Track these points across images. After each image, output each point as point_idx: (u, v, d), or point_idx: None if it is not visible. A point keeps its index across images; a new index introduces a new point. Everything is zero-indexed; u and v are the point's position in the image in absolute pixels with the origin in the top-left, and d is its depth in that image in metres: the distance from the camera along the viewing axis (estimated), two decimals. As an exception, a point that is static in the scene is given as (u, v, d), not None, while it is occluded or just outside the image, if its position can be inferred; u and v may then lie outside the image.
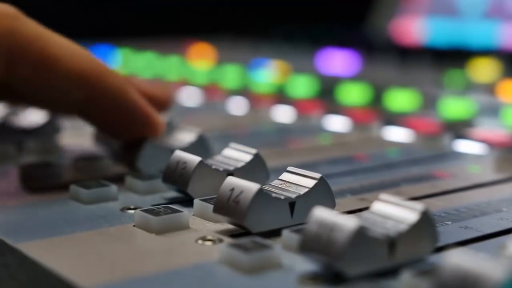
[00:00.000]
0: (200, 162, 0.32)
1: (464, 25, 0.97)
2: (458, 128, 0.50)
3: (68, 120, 0.46)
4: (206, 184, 0.32)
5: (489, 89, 0.68)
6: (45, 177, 0.37)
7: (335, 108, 0.57)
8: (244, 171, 0.33)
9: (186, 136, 0.38)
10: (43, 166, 0.37)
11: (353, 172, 0.39)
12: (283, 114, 0.56)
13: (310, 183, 0.29)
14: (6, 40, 0.34)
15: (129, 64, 0.84)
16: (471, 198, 0.34)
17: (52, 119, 0.45)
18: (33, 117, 0.45)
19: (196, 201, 0.31)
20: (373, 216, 0.25)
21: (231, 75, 0.73)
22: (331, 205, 0.30)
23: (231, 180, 0.28)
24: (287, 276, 0.24)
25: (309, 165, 0.40)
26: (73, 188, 0.33)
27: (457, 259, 0.20)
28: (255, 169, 0.34)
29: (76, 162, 0.38)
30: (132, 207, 0.32)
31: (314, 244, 0.23)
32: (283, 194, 0.29)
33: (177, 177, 0.32)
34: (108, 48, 0.93)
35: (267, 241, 0.25)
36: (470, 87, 0.70)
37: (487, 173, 0.39)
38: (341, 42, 0.94)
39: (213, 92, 0.66)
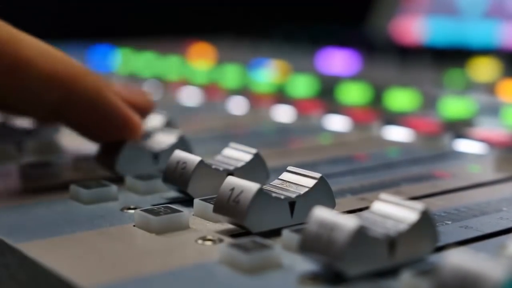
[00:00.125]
0: (200, 162, 0.32)
1: (464, 24, 0.97)
2: (458, 128, 0.50)
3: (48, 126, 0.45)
4: (206, 184, 0.32)
5: (489, 88, 0.68)
6: (45, 177, 0.37)
7: (335, 107, 0.57)
8: (244, 171, 0.33)
9: (167, 138, 0.38)
10: (43, 166, 0.37)
11: (353, 172, 0.39)
12: (283, 114, 0.56)
13: (310, 182, 0.29)
14: None
15: (129, 64, 0.84)
16: (471, 198, 0.34)
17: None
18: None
19: (196, 201, 0.31)
20: (373, 216, 0.25)
21: (231, 75, 0.73)
22: (331, 205, 0.30)
23: (231, 180, 0.28)
24: (287, 276, 0.24)
25: (309, 164, 0.40)
26: (73, 188, 0.33)
27: (457, 259, 0.20)
28: (255, 169, 0.34)
29: (76, 162, 0.38)
30: (132, 207, 0.32)
31: (314, 244, 0.23)
32: (283, 194, 0.29)
33: (177, 177, 0.32)
34: (108, 48, 0.93)
35: (267, 241, 0.25)
36: (470, 87, 0.70)
37: (487, 173, 0.39)
38: (341, 42, 0.94)
39: (213, 92, 0.66)
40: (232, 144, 0.35)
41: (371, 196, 0.34)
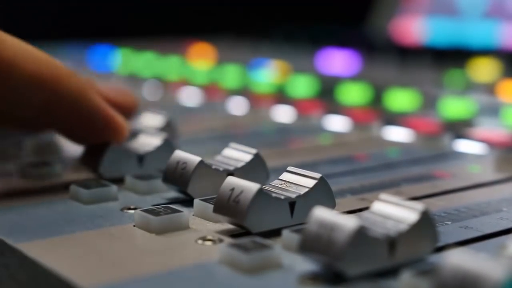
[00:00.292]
0: (200, 162, 0.32)
1: (464, 25, 0.97)
2: (458, 128, 0.50)
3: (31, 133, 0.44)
4: (206, 184, 0.32)
5: (489, 89, 0.68)
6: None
7: (335, 108, 0.57)
8: (244, 171, 0.33)
9: (152, 140, 0.38)
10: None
11: (353, 172, 0.39)
12: (283, 114, 0.56)
13: (310, 183, 0.29)
14: None
15: (129, 64, 0.84)
16: (471, 198, 0.34)
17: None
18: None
19: (196, 201, 0.31)
20: (373, 216, 0.25)
21: (231, 75, 0.73)
22: (331, 205, 0.30)
23: (231, 180, 0.28)
24: (287, 276, 0.24)
25: (309, 165, 0.40)
26: (73, 188, 0.33)
27: (457, 259, 0.20)
28: (255, 169, 0.34)
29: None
30: (132, 207, 0.32)
31: (314, 244, 0.23)
32: (283, 194, 0.29)
33: (177, 177, 0.32)
34: (108, 48, 0.93)
35: (267, 241, 0.25)
36: (470, 87, 0.70)
37: (487, 173, 0.39)
38: (341, 42, 0.94)
39: (213, 92, 0.66)
40: (232, 144, 0.35)
41: (371, 196, 0.34)
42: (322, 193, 0.29)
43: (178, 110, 0.59)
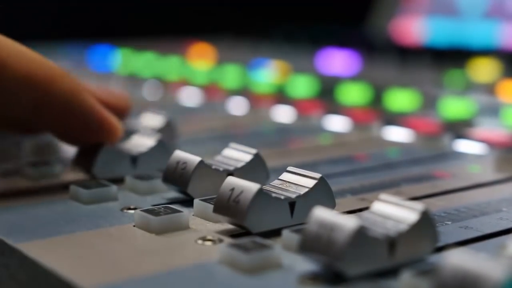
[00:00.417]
0: (200, 162, 0.32)
1: (464, 25, 0.97)
2: (458, 128, 0.50)
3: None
4: (206, 184, 0.32)
5: (489, 89, 0.68)
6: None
7: (335, 108, 0.57)
8: (244, 171, 0.33)
9: (145, 141, 0.37)
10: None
11: (353, 172, 0.39)
12: (283, 114, 0.56)
13: (310, 183, 0.29)
14: None
15: (129, 64, 0.84)
16: (471, 198, 0.34)
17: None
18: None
19: (196, 201, 0.31)
20: (373, 216, 0.25)
21: (231, 75, 0.73)
22: (331, 205, 0.30)
23: (231, 180, 0.28)
24: (287, 276, 0.24)
25: (309, 165, 0.40)
26: (73, 188, 0.33)
27: (457, 259, 0.20)
28: (255, 169, 0.34)
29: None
30: (132, 207, 0.32)
31: (314, 244, 0.23)
32: (283, 194, 0.29)
33: (177, 177, 0.32)
34: (108, 48, 0.93)
35: (267, 241, 0.25)
36: (470, 87, 0.70)
37: (487, 173, 0.39)
38: (341, 42, 0.94)
39: (213, 92, 0.66)
40: (232, 144, 0.35)
41: (371, 196, 0.34)
42: (322, 193, 0.29)
43: (178, 110, 0.59)
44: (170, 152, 0.37)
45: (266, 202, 0.28)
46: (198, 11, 1.19)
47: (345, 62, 0.86)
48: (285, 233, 0.27)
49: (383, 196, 0.26)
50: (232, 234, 0.28)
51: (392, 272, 0.24)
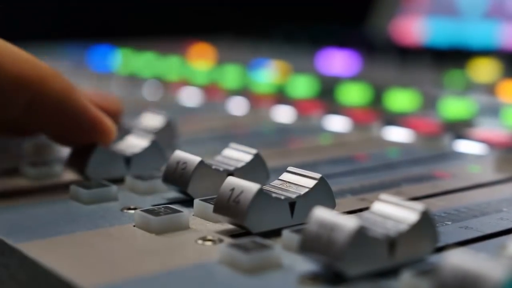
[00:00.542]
0: (200, 162, 0.32)
1: (464, 25, 0.97)
2: (458, 128, 0.50)
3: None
4: (206, 184, 0.32)
5: (489, 89, 0.68)
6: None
7: (335, 108, 0.57)
8: (244, 171, 0.33)
9: (139, 142, 0.37)
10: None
11: (353, 172, 0.39)
12: (283, 114, 0.56)
13: (310, 183, 0.29)
14: None
15: (129, 65, 0.84)
16: (471, 198, 0.34)
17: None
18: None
19: (196, 201, 0.31)
20: (373, 216, 0.25)
21: (231, 75, 0.73)
22: (331, 205, 0.30)
23: (231, 180, 0.28)
24: (287, 276, 0.24)
25: (309, 165, 0.40)
26: (73, 188, 0.33)
27: (457, 259, 0.20)
28: (255, 169, 0.34)
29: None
30: (132, 207, 0.32)
31: (314, 244, 0.23)
32: (283, 194, 0.29)
33: (177, 177, 0.32)
34: (108, 48, 0.93)
35: (267, 241, 0.25)
36: (470, 87, 0.70)
37: (487, 173, 0.39)
38: (341, 42, 0.94)
39: (213, 92, 0.66)
40: (232, 145, 0.35)
41: (371, 196, 0.34)
42: (322, 193, 0.29)
43: (178, 110, 0.59)
44: (164, 152, 0.37)
45: (266, 202, 0.28)
46: (198, 11, 1.19)
47: (345, 62, 0.86)
48: (285, 233, 0.27)
49: (383, 196, 0.26)
50: (232, 234, 0.28)
51: (392, 272, 0.24)
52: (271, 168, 0.34)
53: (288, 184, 0.30)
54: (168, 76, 0.76)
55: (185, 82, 0.72)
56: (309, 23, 1.08)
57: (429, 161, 0.42)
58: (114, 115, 0.40)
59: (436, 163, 0.42)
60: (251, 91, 0.66)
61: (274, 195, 0.28)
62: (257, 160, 0.34)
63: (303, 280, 0.24)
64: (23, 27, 1.00)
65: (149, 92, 0.68)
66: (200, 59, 0.87)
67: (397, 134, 0.49)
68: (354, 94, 0.63)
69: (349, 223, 0.23)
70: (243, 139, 0.47)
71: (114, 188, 0.33)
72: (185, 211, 0.29)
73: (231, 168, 0.33)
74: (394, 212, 0.25)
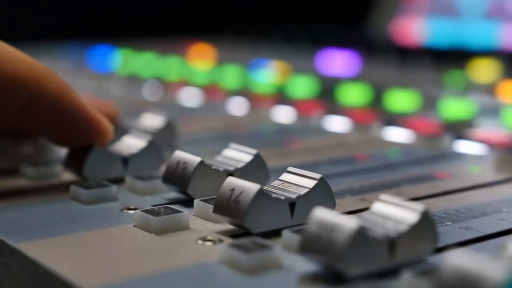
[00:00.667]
0: (201, 162, 0.32)
1: (464, 25, 0.97)
2: (458, 129, 0.50)
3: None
4: (206, 184, 0.32)
5: (489, 89, 0.68)
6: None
7: (335, 108, 0.57)
8: (244, 172, 0.33)
9: (136, 142, 0.37)
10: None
11: (353, 173, 0.39)
12: (283, 115, 0.56)
13: (310, 183, 0.29)
14: None
15: (129, 65, 0.84)
16: (471, 199, 0.34)
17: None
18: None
19: (196, 202, 0.31)
20: (373, 217, 0.25)
21: (231, 75, 0.73)
22: (331, 205, 0.30)
23: (231, 181, 0.28)
24: (287, 277, 0.24)
25: (309, 165, 0.40)
26: (73, 188, 0.33)
27: (457, 260, 0.20)
28: (255, 169, 0.34)
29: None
30: (132, 207, 0.32)
31: (314, 244, 0.23)
32: (283, 195, 0.29)
33: (177, 177, 0.32)
34: (108, 49, 0.93)
35: (267, 242, 0.25)
36: (470, 88, 0.70)
37: (487, 174, 0.39)
38: (341, 42, 0.94)
39: (213, 93, 0.66)
40: (232, 145, 0.35)
41: (371, 196, 0.34)
42: (322, 194, 0.29)
43: (178, 111, 0.59)
44: (161, 153, 0.37)
45: (266, 202, 0.28)
46: (198, 11, 1.19)
47: (345, 63, 0.86)
48: (285, 233, 0.27)
49: (383, 196, 0.26)
50: (232, 235, 0.28)
51: (392, 273, 0.24)
52: (271, 168, 0.34)
53: (288, 185, 0.30)
54: (168, 76, 0.76)
55: (185, 82, 0.72)
56: (309, 23, 1.08)
57: (429, 162, 0.42)
58: (111, 120, 0.40)
59: (436, 164, 0.42)
60: (251, 92, 0.66)
61: (274, 195, 0.28)
62: (257, 160, 0.34)
63: (303, 281, 0.24)
64: (23, 27, 1.00)
65: (149, 92, 0.68)
66: (200, 59, 0.87)
67: (397, 135, 0.49)
68: (354, 94, 0.63)
69: (349, 223, 0.23)
70: (243, 140, 0.47)
71: (114, 188, 0.33)
72: (185, 211, 0.29)
73: (231, 169, 0.33)
74: (394, 212, 0.25)
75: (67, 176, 0.37)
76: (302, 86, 0.67)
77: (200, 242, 0.27)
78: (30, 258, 0.26)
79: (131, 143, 0.37)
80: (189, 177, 0.32)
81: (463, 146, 0.45)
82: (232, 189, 0.28)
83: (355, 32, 1.04)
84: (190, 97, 0.65)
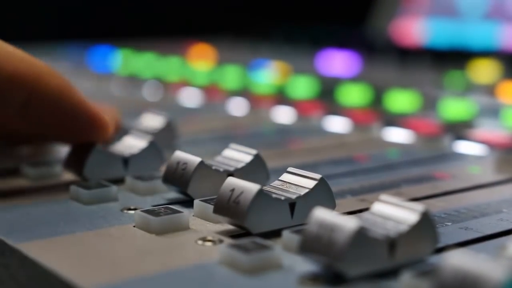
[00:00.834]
0: (201, 162, 0.32)
1: (464, 26, 0.97)
2: (458, 129, 0.50)
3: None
4: (206, 184, 0.32)
5: (489, 90, 0.68)
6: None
7: (335, 109, 0.57)
8: (244, 172, 0.33)
9: (137, 143, 0.37)
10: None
11: (354, 173, 0.39)
12: (283, 115, 0.56)
13: (310, 183, 0.29)
14: None
15: (129, 65, 0.84)
16: (471, 199, 0.34)
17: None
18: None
19: (196, 202, 0.31)
20: (373, 217, 0.25)
21: (231, 75, 0.73)
22: (331, 205, 0.30)
23: (232, 181, 0.28)
24: (287, 277, 0.24)
25: (309, 165, 0.40)
26: (73, 188, 0.33)
27: (457, 260, 0.20)
28: (255, 169, 0.34)
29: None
30: (132, 207, 0.32)
31: (314, 244, 0.23)
32: (283, 195, 0.29)
33: (177, 177, 0.32)
34: (108, 49, 0.93)
35: (267, 242, 0.25)
36: (470, 88, 0.70)
37: (487, 174, 0.39)
38: (341, 43, 0.94)
39: (213, 93, 0.66)
40: (232, 145, 0.35)
41: (371, 197, 0.34)
42: (322, 194, 0.29)
43: (178, 111, 0.59)
44: (162, 153, 0.37)
45: (266, 202, 0.28)
46: (198, 11, 1.19)
47: (345, 63, 0.86)
48: (285, 233, 0.27)
49: (383, 197, 0.26)
50: (232, 235, 0.28)
51: (392, 273, 0.24)
52: (271, 168, 0.34)
53: (288, 185, 0.30)
54: (168, 77, 0.76)
55: (185, 83, 0.72)
56: (309, 24, 1.08)
57: (429, 162, 0.42)
58: (114, 126, 0.39)
59: (436, 164, 0.42)
60: (251, 92, 0.66)
61: (274, 195, 0.28)
62: (257, 160, 0.34)
63: (303, 281, 0.24)
64: (23, 27, 1.00)
65: (149, 93, 0.68)
66: (200, 60, 0.87)
67: (397, 135, 0.49)
68: (354, 94, 0.63)
69: (349, 223, 0.23)
70: (243, 140, 0.47)
71: (114, 188, 0.33)
72: (185, 211, 0.29)
73: (231, 169, 0.33)
74: (394, 212, 0.25)
75: (67, 176, 0.37)
76: (302, 87, 0.67)
77: (200, 242, 0.27)
78: (30, 258, 0.26)
79: (132, 144, 0.37)
80: (189, 177, 0.32)
81: (463, 147, 0.45)
82: (232, 190, 0.28)
83: (355, 32, 1.04)
84: (190, 98, 0.65)
